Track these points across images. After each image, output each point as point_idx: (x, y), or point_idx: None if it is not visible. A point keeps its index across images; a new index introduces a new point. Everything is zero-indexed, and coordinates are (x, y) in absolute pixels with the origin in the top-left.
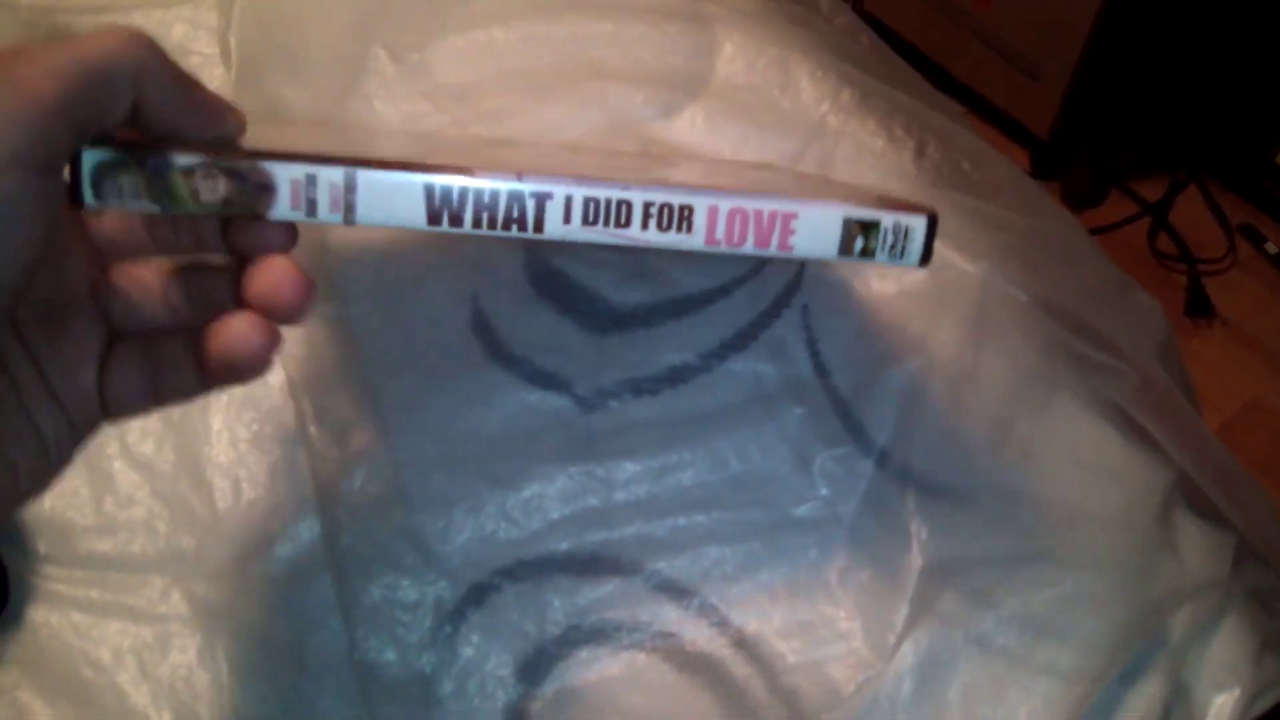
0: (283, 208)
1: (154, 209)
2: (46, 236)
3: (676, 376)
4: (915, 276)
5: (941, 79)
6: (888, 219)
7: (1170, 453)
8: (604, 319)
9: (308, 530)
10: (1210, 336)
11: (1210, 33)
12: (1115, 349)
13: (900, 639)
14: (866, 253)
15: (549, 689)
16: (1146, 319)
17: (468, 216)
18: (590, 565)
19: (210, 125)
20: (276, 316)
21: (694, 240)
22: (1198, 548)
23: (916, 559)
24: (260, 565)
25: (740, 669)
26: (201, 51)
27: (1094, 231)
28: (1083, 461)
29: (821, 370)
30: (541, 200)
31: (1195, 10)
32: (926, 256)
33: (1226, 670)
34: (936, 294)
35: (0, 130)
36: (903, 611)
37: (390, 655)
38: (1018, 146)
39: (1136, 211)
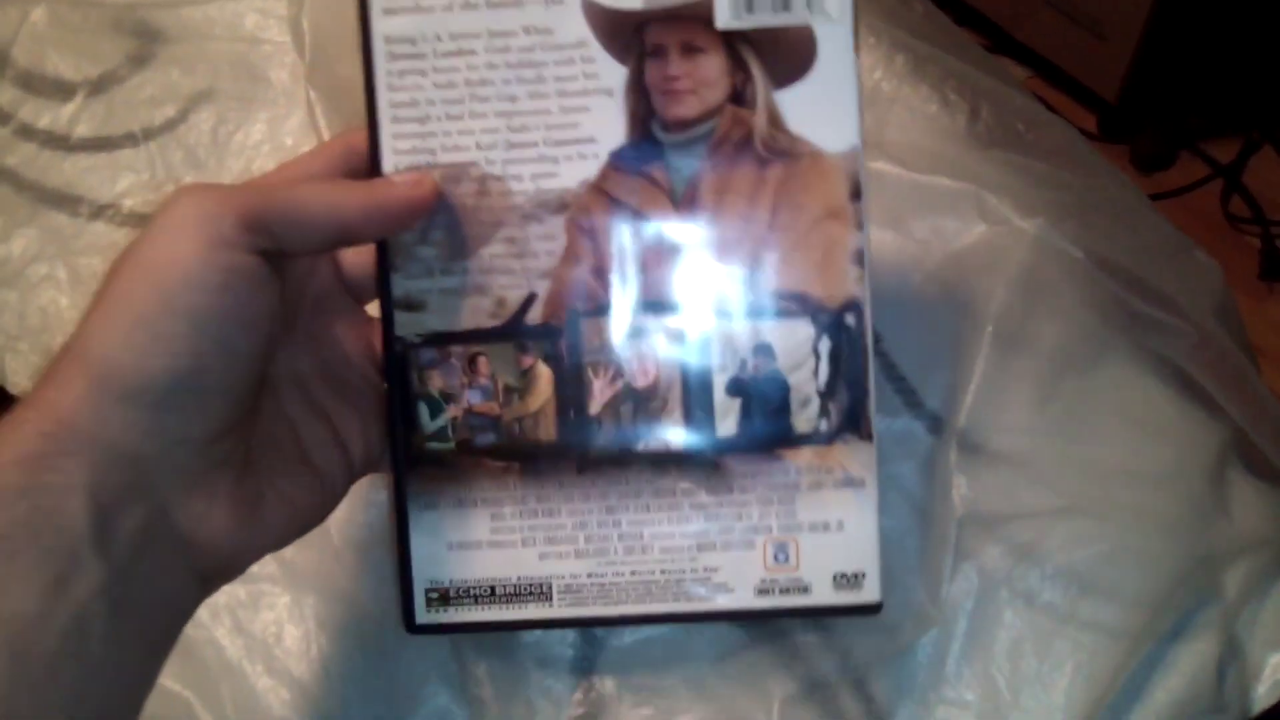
0: None
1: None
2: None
3: None
4: (970, 236)
5: (1006, 43)
6: None
7: (1227, 410)
8: None
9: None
10: None
11: None
12: (1172, 307)
13: (941, 589)
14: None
15: (616, 640)
16: (1204, 278)
17: None
18: None
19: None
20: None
21: None
22: (1252, 505)
23: (957, 511)
24: (344, 529)
25: (797, 624)
26: (274, 40)
27: (1164, 195)
28: (1133, 418)
29: (874, 334)
30: None
31: None
32: None
33: None
34: (990, 252)
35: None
36: (949, 564)
37: None
38: (1085, 110)
39: (1208, 174)
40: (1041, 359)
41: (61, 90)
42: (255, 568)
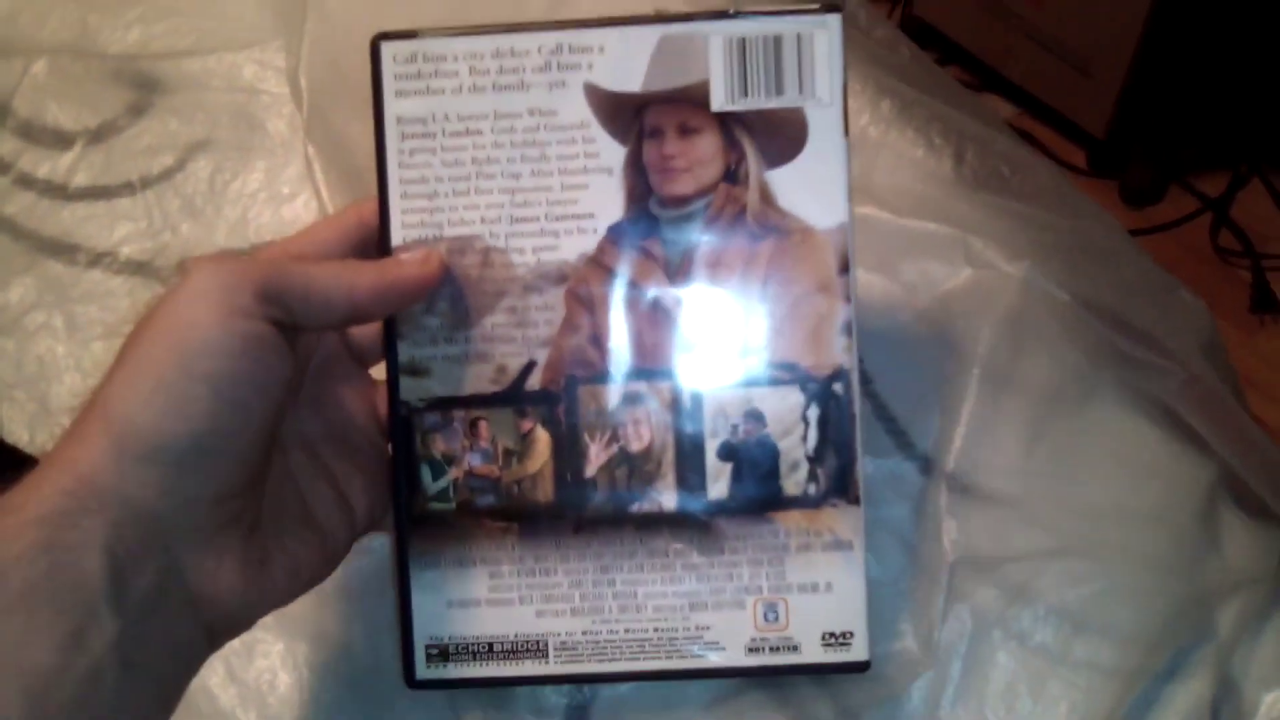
0: None
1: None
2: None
3: None
4: (956, 279)
5: (995, 81)
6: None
7: (1216, 449)
8: None
9: (382, 544)
10: (1276, 332)
11: (1269, 19)
12: (1159, 347)
13: (936, 634)
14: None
15: (611, 688)
16: (1191, 316)
17: None
18: None
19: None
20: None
21: None
22: (1243, 543)
23: (948, 554)
24: (338, 575)
25: None
26: (271, 91)
27: (1153, 230)
28: (1122, 458)
29: (864, 377)
30: None
31: None
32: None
33: (1277, 667)
34: (977, 296)
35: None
36: (941, 607)
37: None
38: (1074, 146)
39: (1197, 208)
40: (1030, 400)
41: (61, 140)
42: None
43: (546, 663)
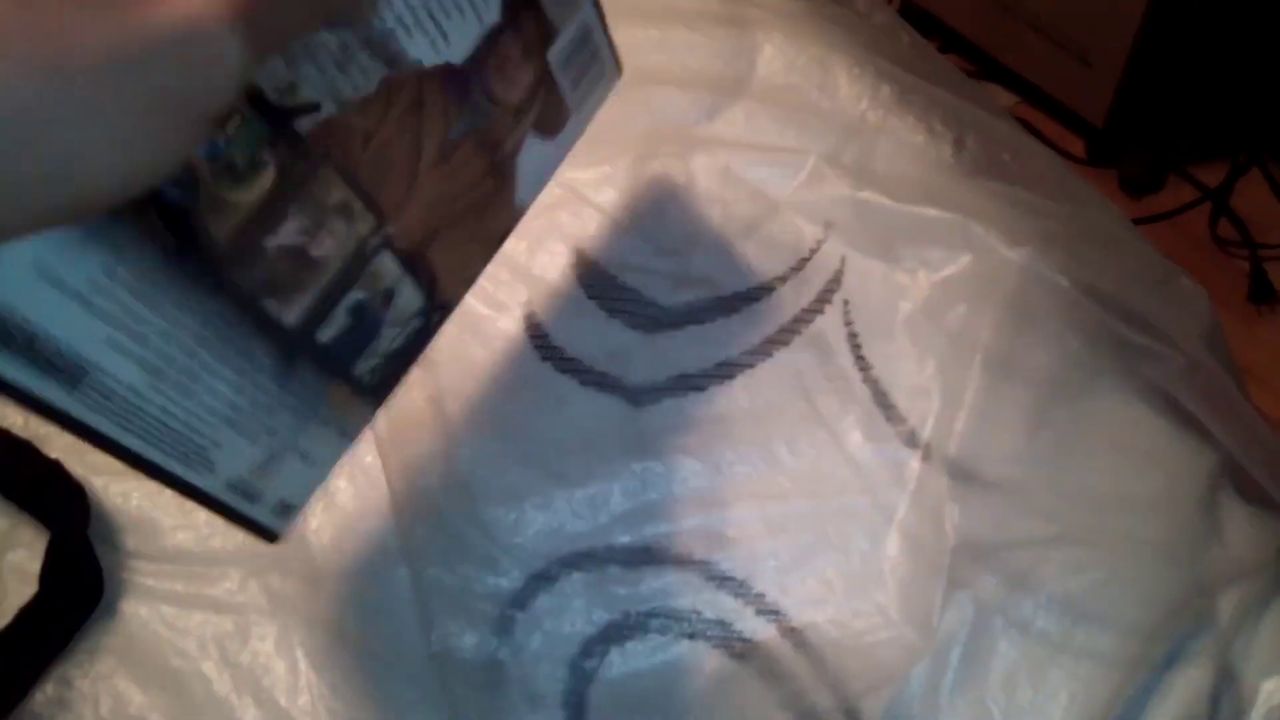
0: None
1: None
2: None
3: (724, 372)
4: (957, 264)
5: (994, 70)
6: None
7: (1217, 437)
8: (652, 319)
9: (381, 525)
10: (1274, 321)
11: (1268, 8)
12: (1160, 334)
13: (938, 620)
14: None
15: (607, 674)
16: (1192, 304)
17: None
18: (649, 557)
19: None
20: None
21: None
22: (1244, 531)
23: (950, 540)
24: (333, 559)
25: (790, 656)
26: None
27: (1152, 219)
28: (1124, 446)
29: (863, 364)
30: None
31: None
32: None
33: (1276, 654)
34: (978, 281)
35: None
36: (941, 593)
37: (468, 640)
38: (1073, 135)
39: (1196, 197)
40: (1031, 387)
41: None
42: (242, 597)
43: (71, 393)
